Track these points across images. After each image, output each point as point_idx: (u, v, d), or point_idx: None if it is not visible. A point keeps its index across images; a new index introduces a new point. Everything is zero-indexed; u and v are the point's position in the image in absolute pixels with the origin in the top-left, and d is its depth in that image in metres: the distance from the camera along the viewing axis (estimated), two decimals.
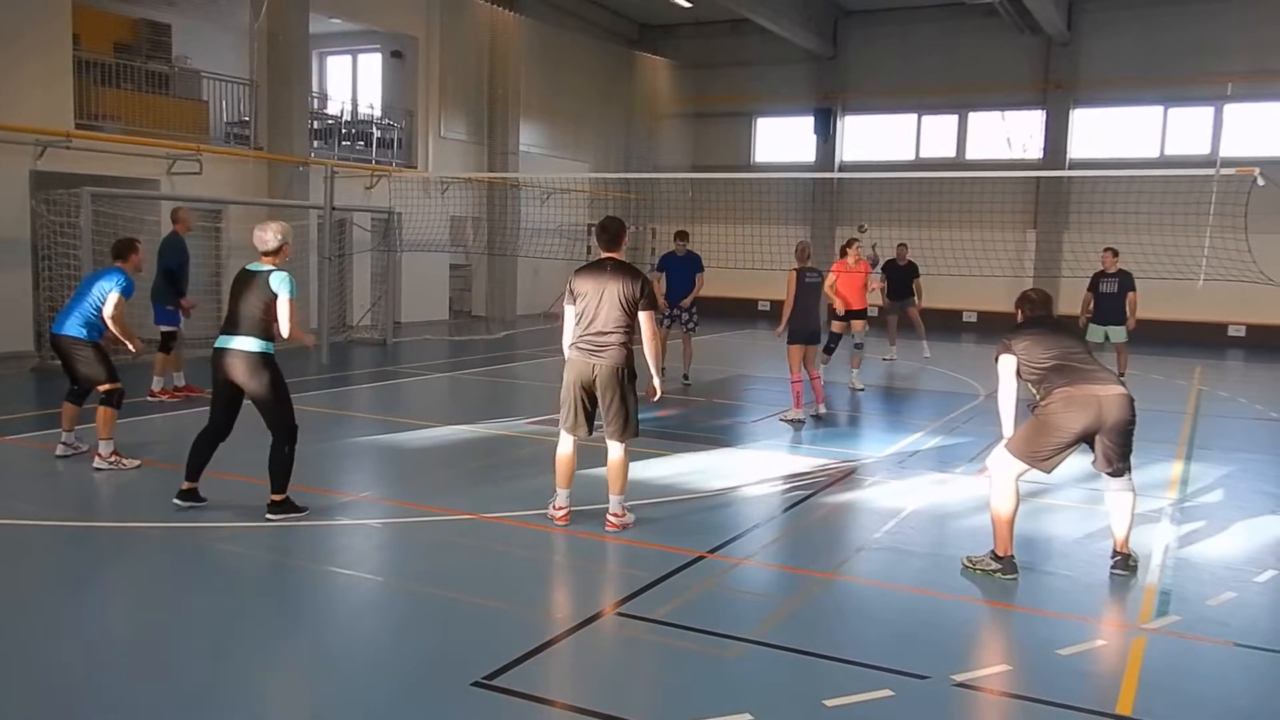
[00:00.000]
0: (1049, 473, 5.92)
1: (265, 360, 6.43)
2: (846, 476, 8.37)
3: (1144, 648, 4.92)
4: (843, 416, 11.44)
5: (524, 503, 7.01)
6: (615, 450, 6.46)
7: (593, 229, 24.43)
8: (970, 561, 5.93)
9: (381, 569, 5.98)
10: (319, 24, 18.53)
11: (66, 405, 7.99)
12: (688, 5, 24.75)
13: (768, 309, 26.67)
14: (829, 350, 12.91)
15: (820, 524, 7.14)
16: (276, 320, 6.45)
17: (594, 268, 6.43)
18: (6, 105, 13.10)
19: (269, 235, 6.50)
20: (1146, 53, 22.71)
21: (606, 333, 6.28)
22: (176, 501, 6.58)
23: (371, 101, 21.32)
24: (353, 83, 22.47)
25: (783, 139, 27.48)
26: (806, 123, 26.27)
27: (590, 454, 8.35)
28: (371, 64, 22.08)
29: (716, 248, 15.64)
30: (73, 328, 7.75)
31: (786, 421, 10.58)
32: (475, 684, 4.24)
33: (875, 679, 4.41)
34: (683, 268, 13.22)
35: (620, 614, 5.12)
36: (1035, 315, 6.22)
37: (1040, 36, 23.41)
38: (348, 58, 22.54)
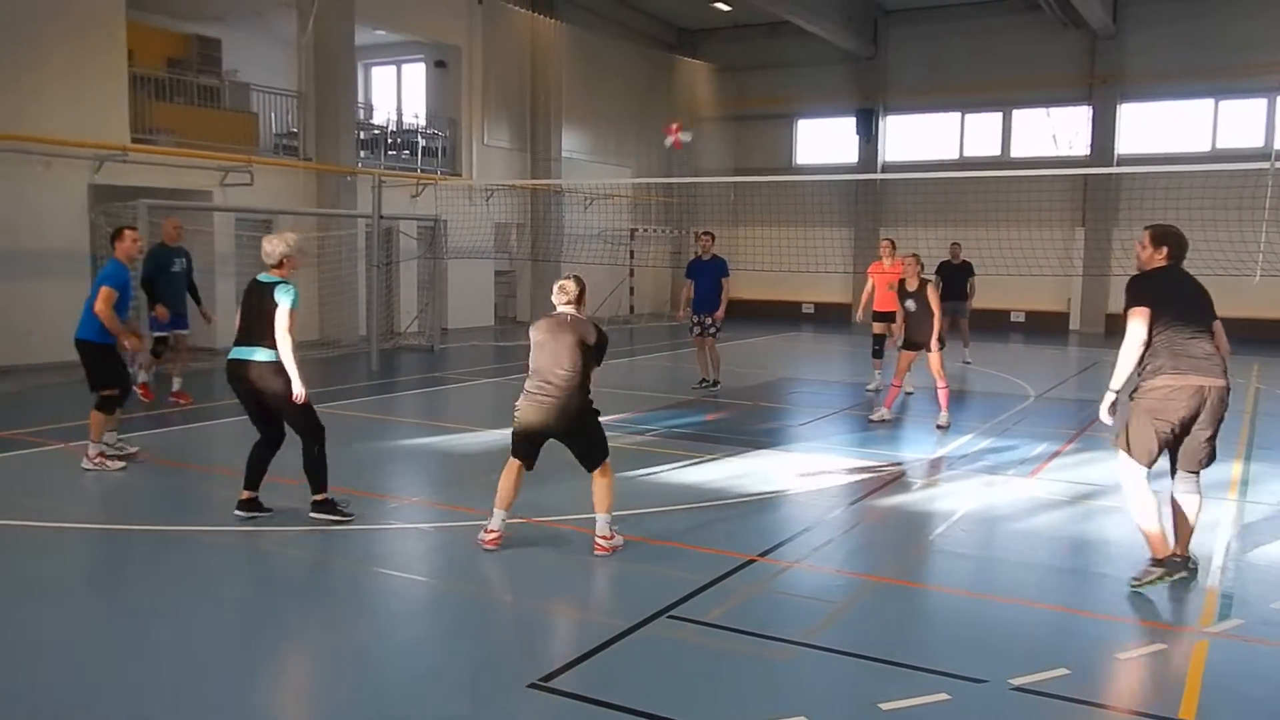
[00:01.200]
0: (1150, 466, 5.60)
1: (279, 368, 6.44)
2: (896, 479, 8.32)
3: (1206, 651, 4.84)
4: (892, 419, 11.37)
5: (573, 506, 7.05)
6: (597, 483, 6.23)
7: (635, 234, 24.48)
8: (1136, 581, 5.60)
9: (433, 571, 6.05)
10: (364, 35, 18.79)
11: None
12: (727, 9, 24.76)
13: (811, 311, 26.59)
14: (878, 355, 12.83)
15: (871, 527, 7.10)
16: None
17: (553, 320, 6.37)
18: (66, 121, 13.44)
19: (271, 247, 6.51)
20: (1195, 44, 22.32)
21: (557, 383, 6.18)
22: (237, 513, 6.68)
23: (416, 111, 21.56)
24: (397, 93, 22.73)
25: (824, 140, 27.37)
26: (848, 124, 26.15)
27: (639, 459, 8.39)
28: (415, 74, 22.33)
29: (759, 250, 15.60)
30: (89, 332, 7.84)
31: (877, 421, 10.78)
32: (531, 685, 4.28)
33: (931, 683, 4.39)
34: (708, 272, 12.86)
35: (672, 617, 5.13)
36: (1175, 258, 5.65)
37: (1084, 30, 23.11)
38: (392, 68, 22.81)
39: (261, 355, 6.43)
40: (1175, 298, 5.54)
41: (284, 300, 6.40)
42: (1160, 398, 5.44)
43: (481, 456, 9.06)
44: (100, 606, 5.34)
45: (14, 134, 12.83)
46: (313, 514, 6.63)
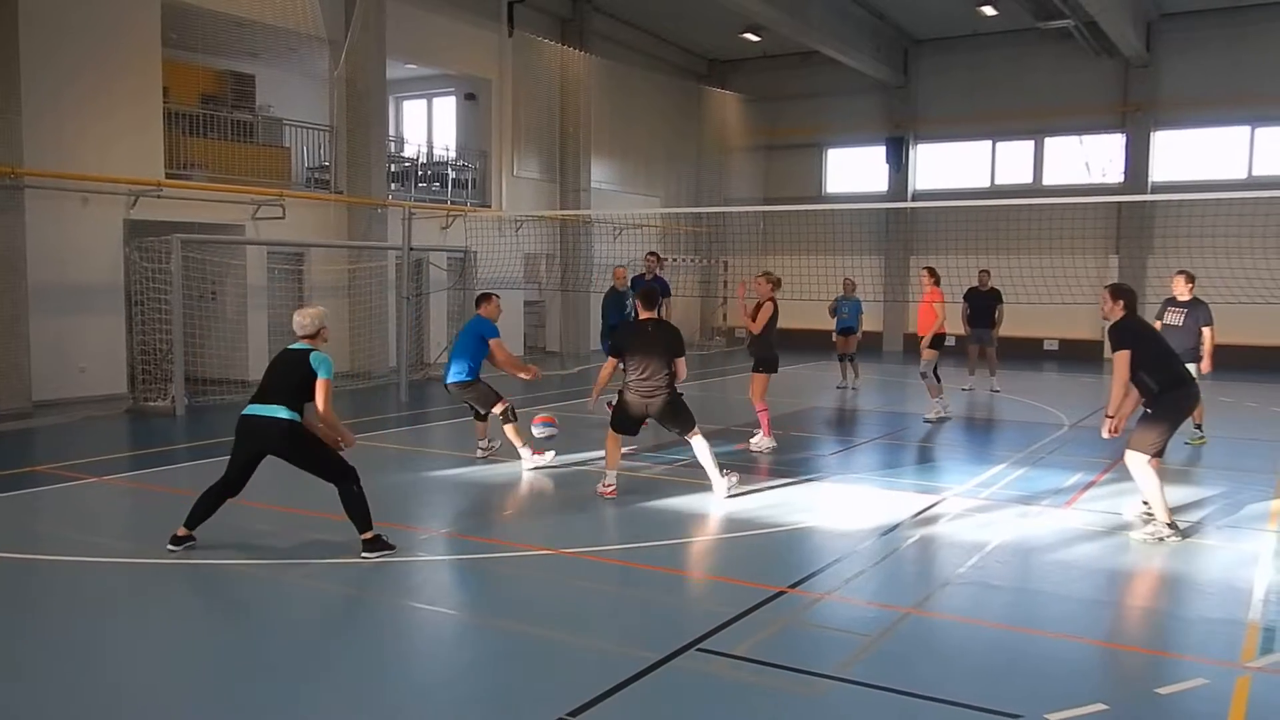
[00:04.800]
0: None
1: (294, 427, 6.48)
2: (929, 509, 8.21)
3: (1249, 687, 4.71)
4: (923, 449, 11.24)
5: (603, 537, 7.01)
6: (695, 443, 8.29)
7: (664, 263, 24.53)
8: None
9: (462, 604, 6.02)
10: (395, 69, 19.01)
11: (476, 424, 10.10)
12: (756, 39, 24.88)
13: None
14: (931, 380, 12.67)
15: (903, 558, 7.00)
16: (313, 398, 6.51)
17: (639, 328, 8.24)
18: (102, 158, 13.66)
19: (307, 320, 6.67)
20: (1231, 72, 22.14)
21: (654, 380, 8.15)
22: (170, 547, 6.57)
23: (446, 143, 21.77)
24: (428, 125, 22.98)
25: (854, 169, 27.36)
26: (878, 152, 26.14)
27: (666, 489, 8.36)
28: (446, 107, 22.58)
29: (788, 279, 15.54)
30: (458, 375, 9.58)
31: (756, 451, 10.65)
32: None
33: (965, 717, 4.30)
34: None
35: (701, 650, 5.07)
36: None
37: (1118, 59, 22.99)
38: (423, 101, 23.08)
39: (281, 413, 6.45)
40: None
41: (322, 372, 6.50)
42: None
43: (510, 488, 9.05)
44: (136, 635, 5.36)
45: (55, 171, 13.05)
46: (365, 554, 6.52)
